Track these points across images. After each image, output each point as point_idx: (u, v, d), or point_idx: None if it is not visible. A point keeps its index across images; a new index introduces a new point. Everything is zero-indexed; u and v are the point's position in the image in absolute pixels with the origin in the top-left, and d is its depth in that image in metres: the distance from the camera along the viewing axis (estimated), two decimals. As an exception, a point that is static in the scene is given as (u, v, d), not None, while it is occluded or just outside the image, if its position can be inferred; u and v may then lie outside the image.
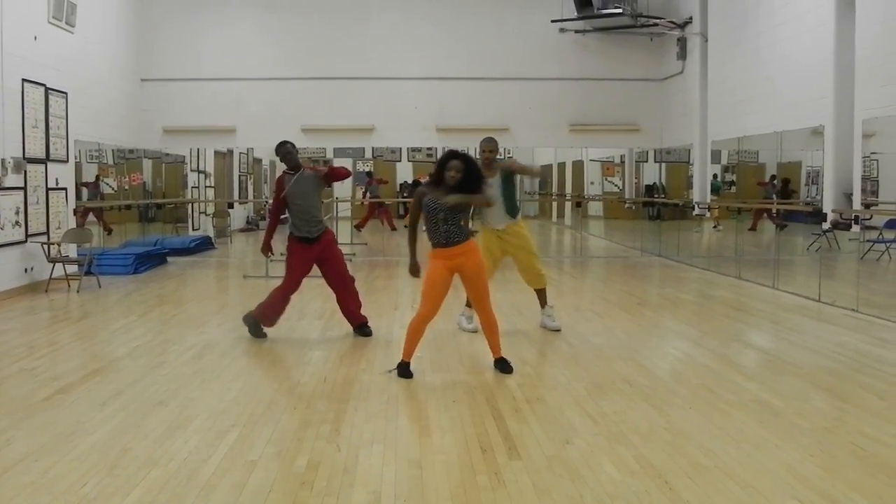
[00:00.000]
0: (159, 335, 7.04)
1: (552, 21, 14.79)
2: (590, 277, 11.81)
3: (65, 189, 10.65)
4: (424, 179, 5.65)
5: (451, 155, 5.44)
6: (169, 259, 12.99)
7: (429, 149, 15.29)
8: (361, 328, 6.89)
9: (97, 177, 12.86)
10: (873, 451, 3.94)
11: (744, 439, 4.10)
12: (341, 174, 6.91)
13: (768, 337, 7.14)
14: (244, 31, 14.98)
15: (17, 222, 9.42)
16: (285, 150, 6.79)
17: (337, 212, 14.62)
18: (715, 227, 14.29)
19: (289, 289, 6.72)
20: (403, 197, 19.63)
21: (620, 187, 18.10)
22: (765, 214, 12.43)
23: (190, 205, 16.50)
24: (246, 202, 20.38)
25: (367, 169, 19.69)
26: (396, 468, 3.73)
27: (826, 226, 9.76)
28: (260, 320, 6.73)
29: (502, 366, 5.55)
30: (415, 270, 5.65)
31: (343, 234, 14.34)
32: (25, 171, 9.55)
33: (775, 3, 11.50)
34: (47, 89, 10.08)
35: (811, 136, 10.53)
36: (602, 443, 4.06)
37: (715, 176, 13.92)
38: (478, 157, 6.73)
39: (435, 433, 4.28)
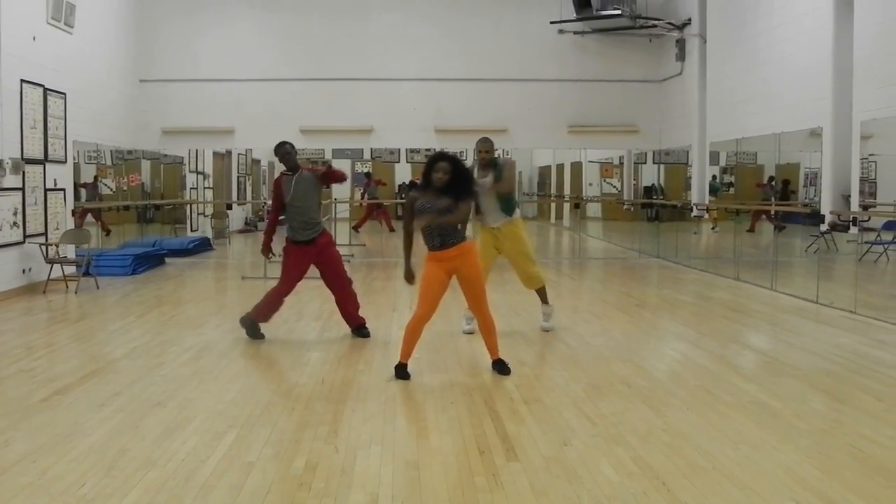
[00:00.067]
0: (157, 336, 7.03)
1: (551, 22, 14.79)
2: (588, 279, 11.82)
3: (63, 190, 10.64)
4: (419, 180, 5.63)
5: (438, 157, 5.43)
6: (167, 260, 12.98)
7: (427, 150, 15.27)
8: (359, 329, 6.89)
9: (95, 177, 12.86)
10: (871, 452, 3.94)
11: (742, 441, 4.11)
12: (338, 176, 6.90)
13: (766, 338, 7.15)
14: (243, 32, 14.99)
15: (15, 223, 9.41)
16: (284, 151, 6.78)
17: (335, 213, 14.62)
18: (713, 228, 14.30)
19: (283, 290, 6.72)
20: (402, 198, 19.63)
21: (619, 189, 18.10)
22: (763, 216, 12.43)
23: (188, 206, 16.49)
24: (244, 203, 20.37)
25: (365, 170, 19.69)
26: (394, 469, 3.73)
27: (824, 227, 9.77)
28: (256, 320, 6.73)
29: (500, 367, 5.54)
30: (409, 277, 5.61)
31: (341, 235, 14.34)
32: (24, 172, 9.54)
33: (774, 5, 11.51)
34: (46, 90, 10.07)
35: (809, 137, 10.54)
36: (600, 444, 4.07)
37: (714, 177, 13.93)
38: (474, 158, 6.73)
39: (433, 434, 4.28)
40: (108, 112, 13.05)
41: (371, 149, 17.71)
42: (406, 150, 19.26)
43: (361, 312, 7.00)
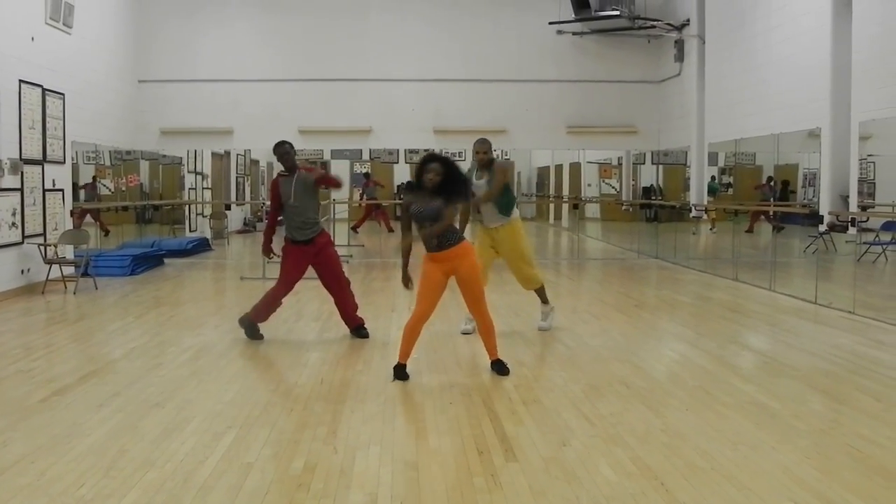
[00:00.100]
0: (156, 337, 7.02)
1: (549, 23, 14.80)
2: (587, 279, 11.83)
3: (62, 190, 10.63)
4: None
5: (429, 158, 5.42)
6: (166, 261, 12.97)
7: (426, 150, 15.31)
8: (358, 330, 6.89)
9: (94, 178, 12.85)
10: (869, 452, 3.94)
11: (740, 441, 4.11)
12: (332, 182, 6.87)
13: (765, 339, 7.15)
14: (242, 33, 14.98)
15: (13, 224, 9.41)
16: (283, 150, 6.77)
17: (334, 213, 14.61)
18: (711, 229, 14.32)
19: (281, 290, 6.72)
20: (400, 199, 19.62)
21: (618, 189, 18.12)
22: (762, 216, 12.44)
23: (187, 206, 16.49)
24: (243, 204, 20.37)
25: (364, 170, 19.69)
26: (393, 470, 3.73)
27: (823, 228, 9.78)
28: (255, 321, 6.73)
29: (499, 368, 5.54)
30: (406, 283, 5.53)
31: (340, 235, 14.33)
32: (22, 173, 9.54)
33: (772, 6, 11.52)
34: (44, 90, 10.07)
35: (808, 138, 10.55)
36: (598, 444, 4.07)
37: (713, 178, 13.94)
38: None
39: (431, 435, 4.28)
40: (107, 112, 13.04)
41: (370, 149, 17.70)
42: (405, 150, 19.25)
43: (360, 313, 7.00)
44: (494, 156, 7.07)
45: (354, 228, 18.03)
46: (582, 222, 17.65)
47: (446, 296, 5.60)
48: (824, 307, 8.35)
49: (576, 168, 18.62)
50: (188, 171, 16.29)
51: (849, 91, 9.44)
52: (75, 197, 11.51)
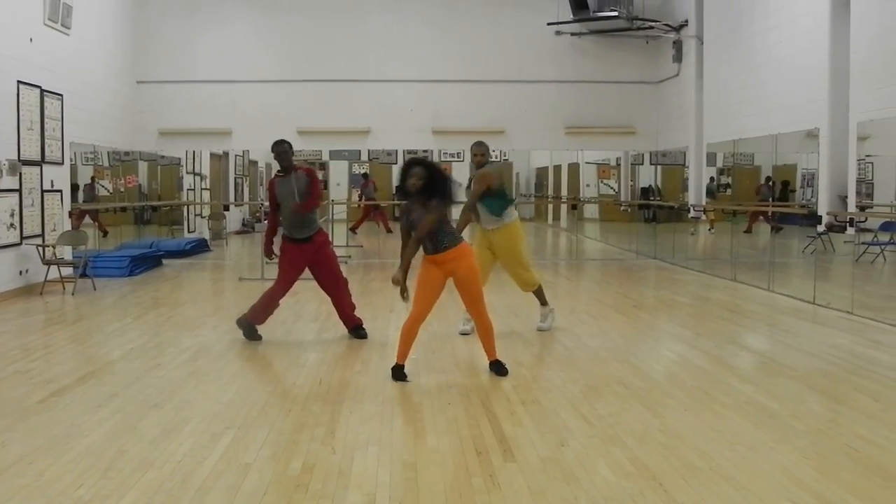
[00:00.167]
0: (155, 337, 7.02)
1: (548, 24, 14.80)
2: (585, 280, 11.83)
3: (60, 191, 10.62)
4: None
5: (412, 162, 5.44)
6: (164, 261, 12.96)
7: (425, 151, 15.30)
8: (356, 330, 6.89)
9: (93, 179, 12.84)
10: (868, 452, 3.95)
11: (739, 441, 4.11)
12: (314, 194, 6.73)
13: (763, 339, 7.16)
14: (240, 34, 14.98)
15: (12, 224, 9.40)
16: (281, 150, 6.75)
17: (332, 214, 14.61)
18: (709, 229, 14.33)
19: (279, 290, 6.71)
20: (399, 199, 19.59)
21: (616, 190, 18.12)
22: (760, 217, 12.45)
23: (185, 207, 16.47)
24: (242, 204, 20.35)
25: (362, 171, 19.67)
26: (391, 470, 3.73)
27: (821, 228, 9.79)
28: (253, 322, 6.73)
29: (497, 368, 5.55)
30: (397, 281, 5.37)
31: (338, 236, 14.34)
32: (21, 174, 9.53)
33: (770, 6, 11.53)
34: (43, 91, 10.06)
35: (806, 138, 10.56)
36: (597, 445, 4.07)
37: (711, 179, 13.95)
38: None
39: (430, 435, 4.28)
40: (105, 113, 13.04)
41: (368, 150, 17.69)
42: (403, 151, 19.24)
43: (358, 313, 6.99)
44: (491, 158, 7.06)
45: (353, 229, 18.02)
46: (580, 223, 17.66)
47: (444, 297, 5.60)
48: (822, 307, 8.36)
49: (574, 168, 18.61)
50: (186, 172, 16.28)
51: (847, 91, 9.45)
52: (74, 198, 11.50)
